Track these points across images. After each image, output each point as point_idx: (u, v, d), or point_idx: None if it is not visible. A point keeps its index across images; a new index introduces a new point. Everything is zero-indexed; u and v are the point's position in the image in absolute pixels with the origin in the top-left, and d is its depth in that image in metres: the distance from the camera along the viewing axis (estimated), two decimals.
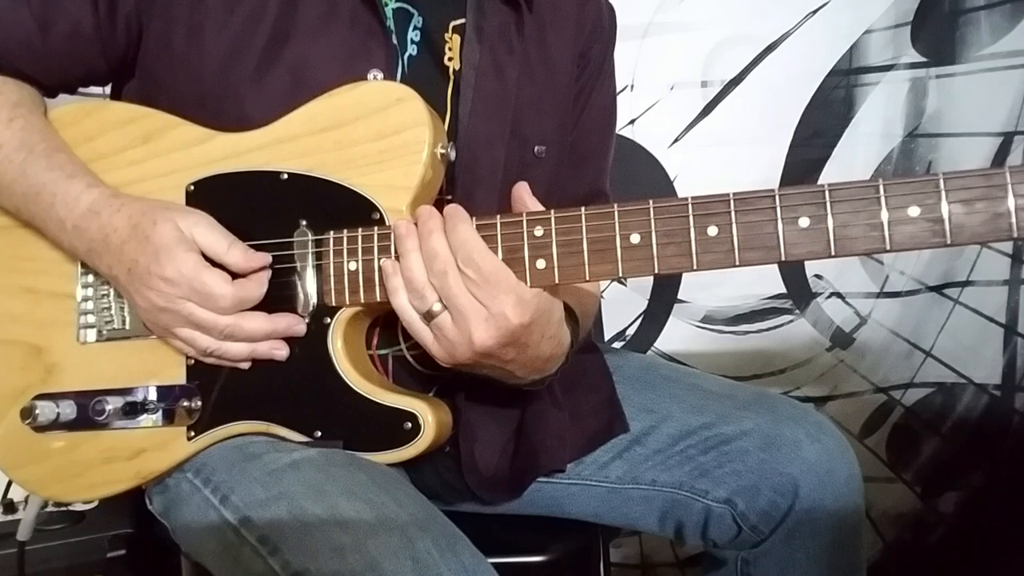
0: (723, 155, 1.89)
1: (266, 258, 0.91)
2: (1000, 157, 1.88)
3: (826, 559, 1.03)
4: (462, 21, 1.02)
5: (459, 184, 0.98)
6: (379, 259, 0.88)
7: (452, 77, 1.01)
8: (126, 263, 0.90)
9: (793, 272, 1.94)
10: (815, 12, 1.89)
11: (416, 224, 0.85)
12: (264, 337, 0.91)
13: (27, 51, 0.99)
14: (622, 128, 1.90)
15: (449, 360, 0.86)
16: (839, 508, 1.01)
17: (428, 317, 0.85)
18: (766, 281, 1.95)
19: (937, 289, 1.94)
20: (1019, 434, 1.93)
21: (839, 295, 1.96)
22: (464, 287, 0.82)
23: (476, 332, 0.82)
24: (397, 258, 0.86)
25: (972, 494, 1.97)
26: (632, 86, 1.90)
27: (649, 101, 1.92)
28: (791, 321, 1.97)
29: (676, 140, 1.93)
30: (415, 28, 1.00)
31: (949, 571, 1.99)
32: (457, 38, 1.01)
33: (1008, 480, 1.92)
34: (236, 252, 0.90)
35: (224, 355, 0.92)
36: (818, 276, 1.95)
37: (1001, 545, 1.94)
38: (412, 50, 1.00)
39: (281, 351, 0.92)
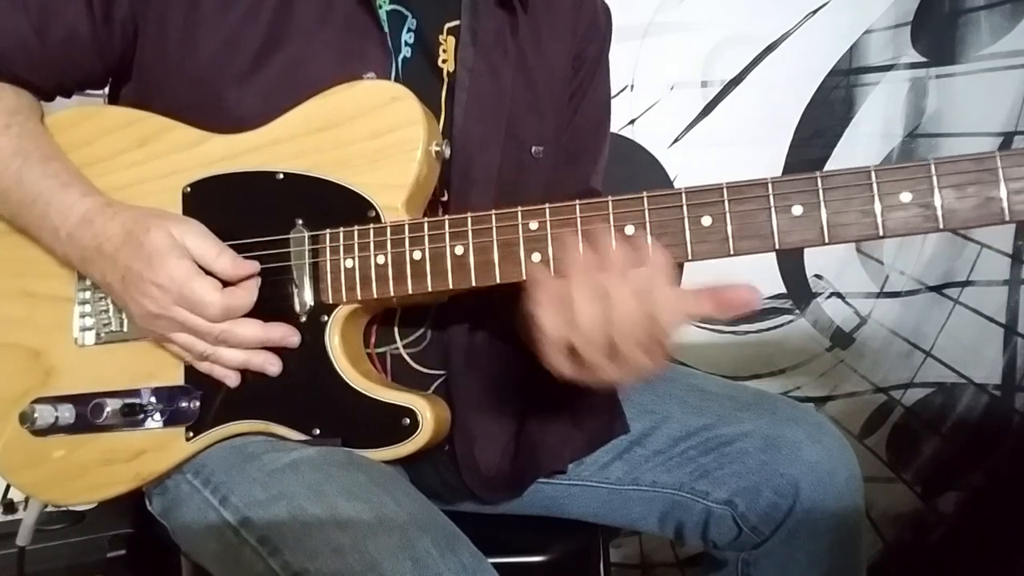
0: (723, 155, 1.89)
1: (255, 266, 0.91)
2: None
3: (827, 559, 1.03)
4: (457, 23, 1.01)
5: (454, 186, 0.98)
6: (375, 256, 0.88)
7: (446, 79, 1.01)
8: (120, 270, 0.90)
9: (793, 272, 1.94)
10: (815, 12, 1.89)
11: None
12: (258, 344, 0.91)
13: (24, 56, 0.99)
14: (622, 128, 1.90)
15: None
16: (840, 509, 1.01)
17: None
18: (766, 281, 1.95)
19: (937, 289, 1.94)
20: (1019, 434, 1.93)
21: (839, 295, 1.96)
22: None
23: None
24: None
25: (972, 494, 1.96)
26: (632, 86, 1.90)
27: (649, 101, 1.91)
28: (791, 321, 1.97)
29: (676, 140, 1.93)
30: (409, 30, 1.00)
31: (949, 571, 1.98)
32: (452, 40, 1.01)
33: (1008, 480, 1.92)
34: (225, 260, 0.90)
35: (219, 360, 0.92)
36: (818, 276, 1.95)
37: (1001, 545, 1.93)
38: (406, 52, 1.00)
39: (274, 366, 0.92)
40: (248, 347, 0.91)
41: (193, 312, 0.89)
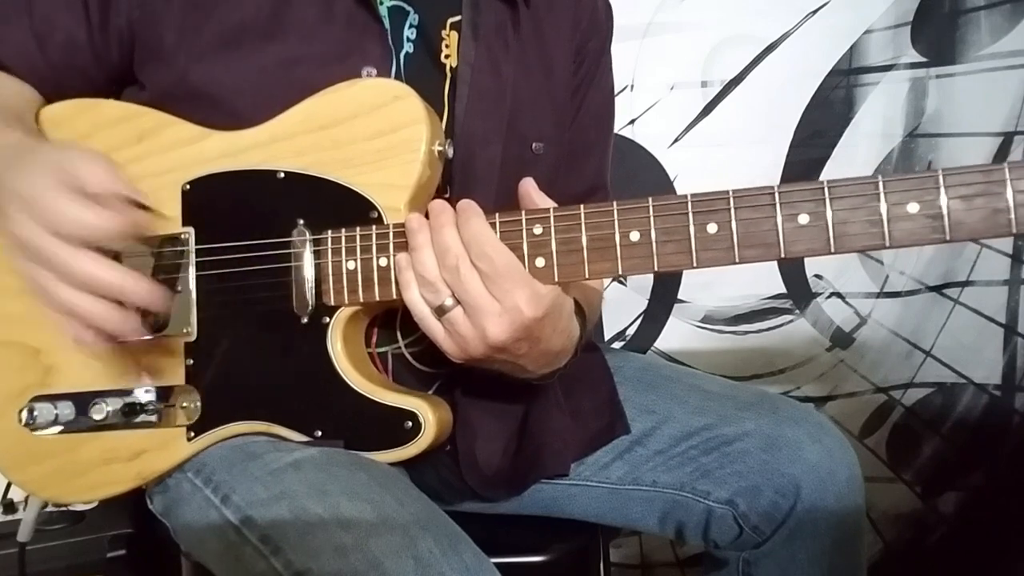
0: (723, 155, 1.89)
1: (134, 191, 0.84)
2: (1000, 157, 1.88)
3: (827, 559, 1.03)
4: (459, 18, 1.01)
5: (456, 182, 0.97)
6: (377, 258, 0.88)
7: (449, 74, 1.00)
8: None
9: (793, 272, 1.94)
10: (815, 12, 1.89)
11: (428, 218, 0.85)
12: (108, 288, 0.80)
13: (27, 64, 0.99)
14: (622, 128, 1.90)
15: (461, 355, 0.86)
16: (840, 509, 1.01)
17: (440, 312, 0.84)
18: (766, 281, 1.95)
19: (937, 289, 1.94)
20: (1019, 434, 1.93)
21: (839, 295, 1.96)
22: (477, 281, 0.81)
23: (490, 327, 0.82)
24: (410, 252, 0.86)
25: (972, 494, 1.96)
26: (632, 86, 1.90)
27: (649, 101, 1.91)
28: (791, 321, 1.97)
29: (676, 140, 1.93)
30: (411, 26, 1.00)
31: (949, 571, 1.99)
32: (455, 35, 1.01)
33: (1008, 480, 1.92)
34: (106, 176, 0.81)
35: (73, 305, 0.81)
36: (818, 276, 1.95)
37: (1001, 545, 1.94)
38: (408, 48, 1.00)
39: (87, 336, 0.82)
40: (97, 290, 0.81)
41: (48, 229, 0.79)
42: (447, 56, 1.01)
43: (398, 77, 0.97)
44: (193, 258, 0.94)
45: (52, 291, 0.81)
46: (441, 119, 0.98)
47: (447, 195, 0.97)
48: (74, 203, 0.79)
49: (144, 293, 0.83)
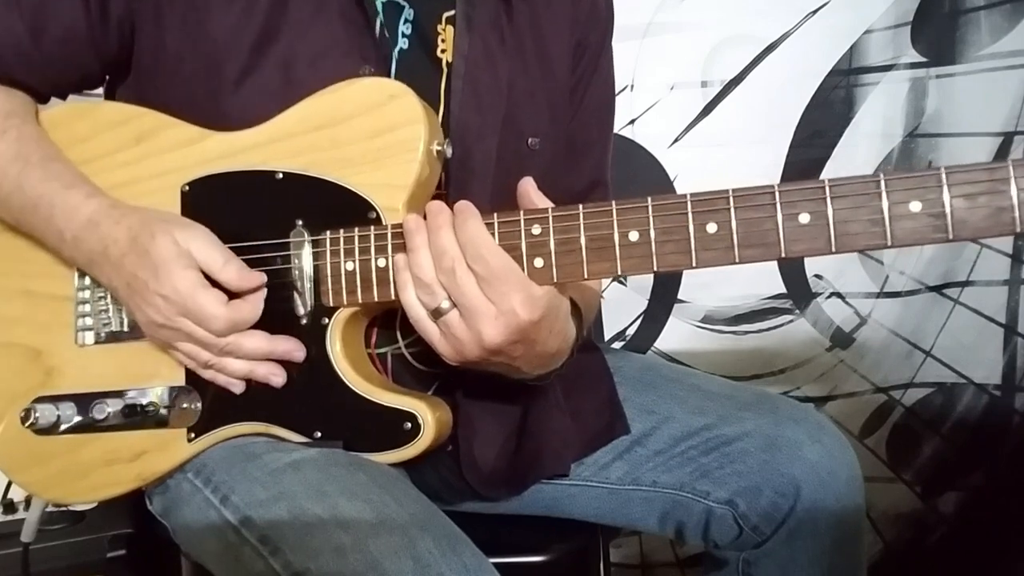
0: (723, 155, 1.89)
1: (261, 278, 0.90)
2: (1000, 157, 1.88)
3: (827, 559, 1.03)
4: (454, 12, 1.01)
5: (452, 177, 0.97)
6: (376, 259, 0.88)
7: (445, 70, 1.00)
8: (125, 277, 0.90)
9: (793, 272, 1.94)
10: (815, 12, 1.89)
11: (425, 219, 0.85)
12: (263, 356, 0.91)
13: (19, 57, 0.98)
14: (622, 128, 1.90)
15: (456, 358, 0.86)
16: (840, 509, 1.01)
17: (436, 314, 0.84)
18: (766, 281, 1.95)
19: (937, 289, 1.94)
20: (1019, 434, 1.93)
21: (839, 295, 1.96)
22: (473, 284, 0.81)
23: (485, 330, 0.81)
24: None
25: (972, 494, 1.96)
26: (632, 86, 1.90)
27: (649, 101, 1.91)
28: (791, 321, 1.97)
29: (676, 140, 1.93)
30: (406, 21, 1.00)
31: (949, 571, 1.99)
32: (451, 29, 1.01)
33: (1008, 480, 1.92)
34: (231, 270, 0.89)
35: (223, 370, 0.92)
36: (818, 276, 1.95)
37: (1001, 545, 1.93)
38: (403, 44, 0.99)
39: (278, 377, 0.91)
40: (253, 359, 0.91)
41: (198, 325, 0.88)
42: (443, 51, 1.00)
43: (394, 74, 0.97)
44: None
45: (219, 365, 0.91)
46: (437, 115, 0.97)
47: (443, 191, 0.97)
48: (220, 304, 0.88)
49: (289, 351, 0.91)
